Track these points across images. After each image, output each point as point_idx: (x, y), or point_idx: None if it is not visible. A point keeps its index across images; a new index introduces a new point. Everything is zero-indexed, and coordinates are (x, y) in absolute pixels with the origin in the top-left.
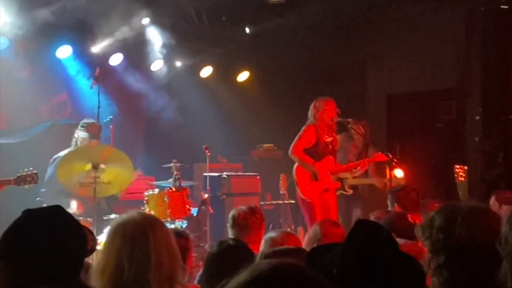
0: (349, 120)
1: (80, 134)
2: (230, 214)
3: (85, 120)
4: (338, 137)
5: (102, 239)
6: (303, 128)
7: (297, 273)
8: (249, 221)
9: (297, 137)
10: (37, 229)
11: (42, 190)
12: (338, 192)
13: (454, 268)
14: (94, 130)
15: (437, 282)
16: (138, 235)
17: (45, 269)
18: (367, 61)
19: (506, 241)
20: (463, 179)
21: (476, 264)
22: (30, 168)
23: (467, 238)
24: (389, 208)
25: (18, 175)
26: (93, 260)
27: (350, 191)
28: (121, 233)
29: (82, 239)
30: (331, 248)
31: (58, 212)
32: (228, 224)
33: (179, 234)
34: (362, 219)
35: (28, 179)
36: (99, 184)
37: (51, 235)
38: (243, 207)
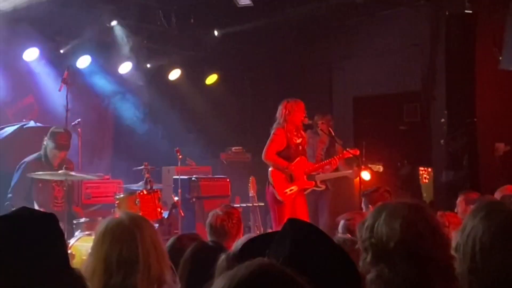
0: (316, 117)
1: (49, 144)
2: (207, 221)
3: (54, 129)
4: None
5: (72, 242)
6: (273, 131)
7: (278, 276)
8: (226, 227)
9: (268, 141)
10: (13, 234)
11: (9, 195)
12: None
13: (379, 266)
14: (62, 140)
15: (368, 281)
16: (127, 237)
17: (34, 269)
18: (333, 64)
19: (461, 250)
20: (427, 181)
21: (398, 259)
22: None
23: (388, 234)
24: (364, 210)
25: None
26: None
27: (323, 186)
28: (109, 236)
29: (60, 231)
30: (262, 243)
31: (26, 212)
32: (206, 231)
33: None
34: (292, 218)
35: None
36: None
37: (29, 236)
38: (219, 212)
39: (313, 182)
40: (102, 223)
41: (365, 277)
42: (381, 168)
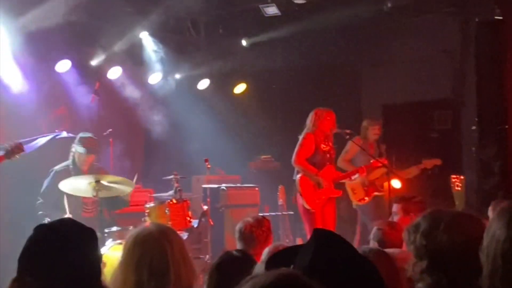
0: (347, 131)
1: (77, 149)
2: (237, 227)
3: (81, 134)
4: (357, 139)
5: (104, 251)
6: (302, 136)
7: (297, 283)
8: (255, 234)
9: (297, 146)
10: (53, 243)
11: (38, 202)
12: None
13: (437, 273)
14: (91, 144)
15: (422, 287)
16: (157, 249)
17: (68, 280)
18: (362, 72)
19: (485, 252)
20: (459, 188)
21: (458, 270)
22: (14, 141)
23: (449, 244)
24: (396, 216)
25: (6, 148)
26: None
27: (383, 191)
28: (140, 247)
29: (96, 245)
30: (290, 253)
31: (68, 223)
32: (235, 237)
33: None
34: (317, 228)
35: (15, 150)
36: (100, 190)
37: (67, 246)
38: (250, 219)
39: (341, 191)
40: (131, 234)
41: (412, 281)
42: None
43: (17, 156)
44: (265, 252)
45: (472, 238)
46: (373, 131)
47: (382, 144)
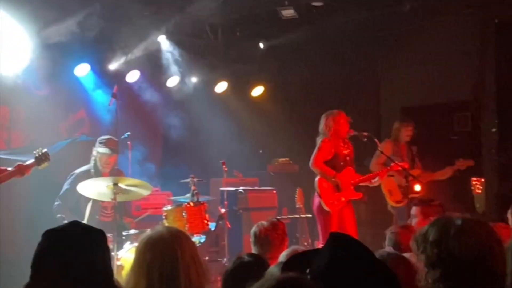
0: (365, 134)
1: (99, 150)
2: (252, 231)
3: (102, 137)
4: (387, 143)
5: (122, 254)
6: (320, 140)
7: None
8: (270, 237)
9: (316, 150)
10: (62, 248)
11: (56, 203)
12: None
13: (451, 282)
14: (113, 145)
15: None
16: (167, 252)
17: (80, 282)
18: (380, 74)
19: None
20: (479, 191)
21: (472, 276)
22: (40, 149)
23: (461, 251)
24: (414, 219)
25: (35, 156)
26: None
27: (420, 192)
28: (151, 250)
29: (106, 247)
30: (307, 257)
31: (76, 227)
32: (250, 240)
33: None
34: (334, 231)
35: (43, 158)
36: (119, 194)
37: (76, 250)
38: (265, 223)
39: (361, 194)
40: (143, 237)
41: None
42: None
43: (46, 164)
44: (282, 256)
45: (483, 243)
46: (406, 132)
47: (414, 146)
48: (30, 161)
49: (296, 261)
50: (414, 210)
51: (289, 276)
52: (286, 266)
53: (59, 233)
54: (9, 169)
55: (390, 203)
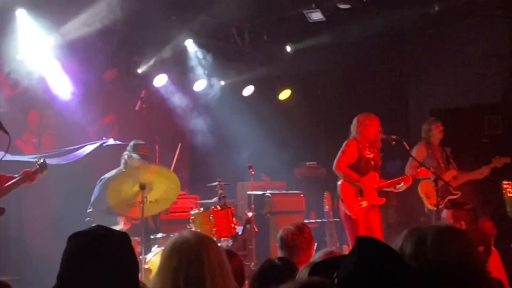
0: (393, 137)
1: (133, 155)
2: (278, 235)
3: (135, 142)
4: (421, 146)
5: (150, 257)
6: (345, 142)
7: None
8: (297, 242)
9: (340, 152)
10: (88, 251)
11: (89, 210)
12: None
13: None
14: (145, 151)
15: None
16: (193, 257)
17: (106, 286)
18: (409, 76)
19: None
20: (511, 195)
21: (456, 286)
22: (39, 157)
23: (441, 261)
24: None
25: (39, 163)
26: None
27: (458, 194)
28: (177, 254)
29: (131, 250)
30: (334, 263)
31: (101, 231)
32: (277, 245)
33: (231, 253)
34: (361, 236)
35: (43, 166)
36: (146, 204)
37: (102, 253)
38: (291, 227)
39: (384, 199)
40: (169, 241)
41: None
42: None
43: (45, 172)
44: (318, 257)
45: (462, 250)
46: (437, 132)
47: (447, 147)
48: (36, 168)
49: (324, 265)
50: (445, 213)
51: (313, 280)
52: (314, 269)
53: (83, 237)
54: (16, 176)
55: (428, 206)
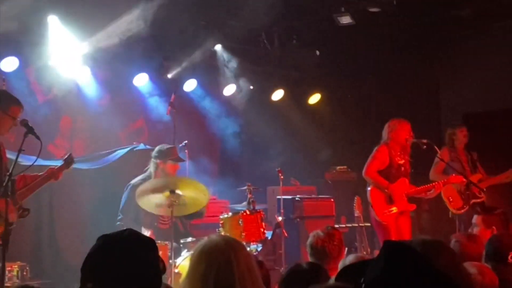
0: (424, 141)
1: (169, 161)
2: (308, 242)
3: (166, 146)
4: (444, 150)
5: (179, 262)
6: (376, 148)
7: None
8: (327, 249)
9: (370, 158)
10: (115, 252)
11: (119, 217)
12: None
13: None
14: (176, 154)
15: None
16: (223, 261)
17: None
18: (441, 79)
19: None
20: None
21: None
22: (65, 154)
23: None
24: (476, 228)
25: (64, 158)
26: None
27: (483, 197)
28: (206, 259)
29: (157, 255)
30: (361, 267)
31: (132, 234)
32: (307, 252)
33: (258, 263)
34: (387, 240)
35: (69, 160)
36: (176, 206)
37: (127, 256)
38: (320, 232)
39: (414, 205)
40: (198, 245)
41: None
42: None
43: (72, 166)
44: (349, 261)
45: (449, 266)
46: (462, 134)
47: (474, 152)
48: (60, 164)
49: (351, 270)
50: (475, 218)
51: (338, 285)
52: (342, 273)
53: (110, 238)
54: (40, 174)
55: (451, 210)
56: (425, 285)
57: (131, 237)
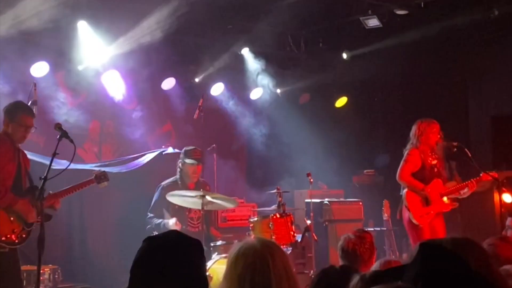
0: (454, 144)
1: (186, 161)
2: (339, 244)
3: (187, 148)
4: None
5: (210, 265)
6: (407, 151)
7: None
8: (358, 252)
9: (402, 162)
10: (163, 254)
11: (149, 216)
12: None
13: None
14: (198, 155)
15: None
16: (259, 263)
17: None
18: (469, 81)
19: None
20: None
21: None
22: (98, 169)
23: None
24: (508, 233)
25: (96, 174)
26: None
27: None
28: (242, 260)
29: (203, 256)
30: (397, 272)
31: (179, 235)
32: (338, 255)
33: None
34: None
35: (102, 177)
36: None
37: (176, 257)
38: (351, 235)
39: (450, 206)
40: (234, 247)
41: None
42: None
43: (105, 184)
44: (375, 267)
45: (480, 262)
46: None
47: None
48: (89, 179)
49: (387, 274)
50: (509, 221)
51: (399, 285)
52: (374, 279)
53: (158, 240)
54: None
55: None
56: (460, 285)
57: (178, 239)
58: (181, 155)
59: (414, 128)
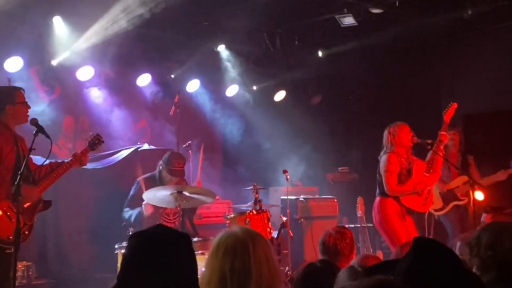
0: (429, 141)
1: (164, 170)
2: (320, 240)
3: (171, 155)
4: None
5: None
6: (385, 160)
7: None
8: (339, 247)
9: (385, 174)
10: (150, 250)
11: (125, 209)
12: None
13: (506, 283)
14: (179, 167)
15: None
16: (239, 248)
17: (168, 286)
18: (442, 81)
19: None
20: None
21: None
22: (90, 133)
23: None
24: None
25: (88, 141)
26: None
27: (465, 199)
28: (223, 246)
29: (192, 249)
30: (390, 266)
31: (163, 230)
32: (319, 250)
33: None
34: (419, 237)
35: (96, 141)
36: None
37: (164, 253)
38: (332, 231)
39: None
40: (217, 236)
41: None
42: None
43: (100, 146)
44: (354, 262)
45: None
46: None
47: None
48: (85, 148)
49: (378, 268)
50: (484, 217)
51: (380, 278)
52: (370, 273)
53: (145, 236)
54: (66, 160)
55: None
56: (454, 281)
57: (166, 233)
58: (164, 161)
59: (385, 135)
